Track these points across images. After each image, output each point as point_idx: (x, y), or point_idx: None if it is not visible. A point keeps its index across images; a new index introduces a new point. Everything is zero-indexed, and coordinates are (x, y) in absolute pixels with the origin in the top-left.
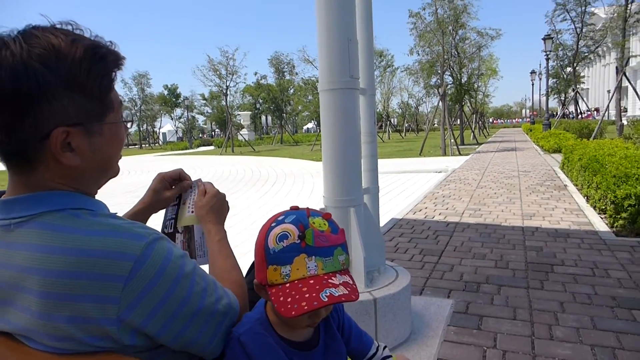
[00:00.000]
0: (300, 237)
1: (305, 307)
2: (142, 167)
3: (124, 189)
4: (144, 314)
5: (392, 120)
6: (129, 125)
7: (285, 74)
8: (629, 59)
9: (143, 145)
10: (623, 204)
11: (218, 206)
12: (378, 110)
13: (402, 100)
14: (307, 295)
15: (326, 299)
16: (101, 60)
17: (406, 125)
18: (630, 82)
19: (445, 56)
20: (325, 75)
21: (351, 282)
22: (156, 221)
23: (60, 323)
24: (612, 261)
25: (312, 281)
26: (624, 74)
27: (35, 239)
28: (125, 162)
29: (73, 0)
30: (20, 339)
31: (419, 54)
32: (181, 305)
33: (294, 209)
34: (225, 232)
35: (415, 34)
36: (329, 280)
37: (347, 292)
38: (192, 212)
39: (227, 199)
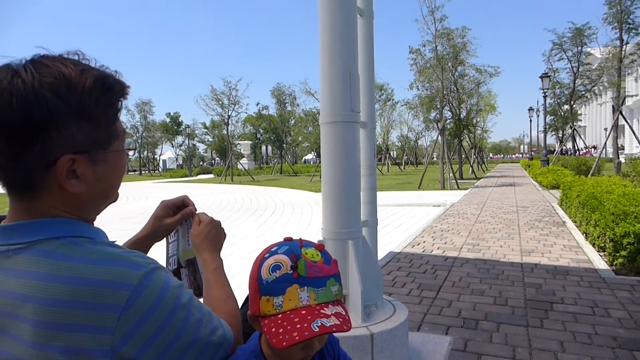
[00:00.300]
0: (293, 268)
1: (297, 338)
2: (141, 194)
3: (122, 215)
4: (139, 344)
5: (391, 153)
6: (130, 153)
7: (286, 105)
8: (624, 98)
9: (143, 172)
10: (622, 242)
11: (213, 234)
12: (378, 143)
13: (402, 133)
14: (298, 326)
15: (317, 329)
16: (109, 90)
17: (405, 158)
18: (626, 121)
19: (444, 91)
20: (326, 108)
21: (344, 313)
22: (159, 250)
23: (54, 353)
24: (612, 300)
25: (304, 312)
26: (621, 112)
27: (33, 266)
28: (124, 189)
29: (77, 26)
30: None
31: (418, 89)
32: (177, 336)
33: (288, 240)
34: (221, 260)
35: (415, 69)
36: (321, 311)
37: (338, 322)
38: (190, 245)
39: (223, 226)
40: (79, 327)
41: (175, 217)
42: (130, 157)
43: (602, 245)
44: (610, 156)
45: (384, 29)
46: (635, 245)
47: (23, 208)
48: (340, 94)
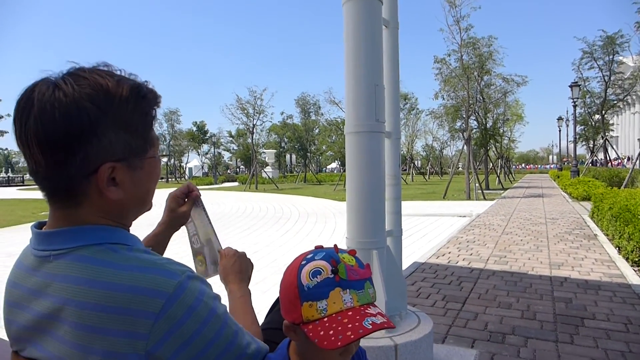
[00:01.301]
0: (334, 272)
1: (352, 336)
2: None
3: (148, 222)
4: (171, 351)
5: (416, 162)
6: (163, 159)
7: (311, 114)
8: None
9: (169, 179)
10: None
11: (237, 266)
12: (402, 152)
13: (427, 142)
14: (349, 325)
15: (370, 326)
16: (143, 98)
17: (430, 168)
18: None
19: (470, 101)
20: (351, 118)
21: (383, 312)
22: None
23: (93, 355)
24: None
25: (350, 313)
26: None
27: (73, 271)
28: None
29: (105, 38)
30: None
31: (444, 98)
32: (208, 346)
33: (319, 247)
34: (248, 290)
35: (440, 79)
36: (366, 311)
37: (385, 320)
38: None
39: (250, 235)
40: (115, 331)
41: (185, 205)
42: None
43: (637, 259)
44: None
45: (409, 38)
46: None
47: (64, 216)
48: (365, 105)
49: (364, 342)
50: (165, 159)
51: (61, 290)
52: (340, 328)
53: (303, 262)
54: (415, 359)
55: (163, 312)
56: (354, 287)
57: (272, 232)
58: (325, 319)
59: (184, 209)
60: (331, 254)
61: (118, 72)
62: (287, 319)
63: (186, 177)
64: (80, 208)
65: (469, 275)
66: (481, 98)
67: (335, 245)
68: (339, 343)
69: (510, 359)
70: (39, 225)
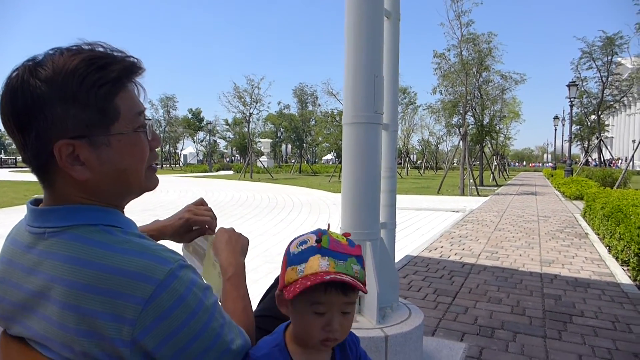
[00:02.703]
0: (317, 241)
1: (307, 283)
2: (162, 187)
3: (142, 207)
4: (157, 340)
5: (411, 156)
6: (150, 135)
7: (308, 104)
8: None
9: (164, 166)
10: None
11: (225, 238)
12: (398, 146)
13: (423, 137)
14: (313, 278)
15: (329, 278)
16: (100, 69)
17: (425, 162)
18: None
19: (468, 97)
20: (349, 108)
21: (362, 286)
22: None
23: (78, 337)
24: (635, 316)
25: (322, 273)
26: None
27: (66, 249)
28: None
29: (107, 23)
30: (35, 346)
31: (441, 93)
32: (194, 338)
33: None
34: (239, 268)
35: (439, 73)
36: (338, 275)
37: (349, 278)
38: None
39: (242, 222)
40: (102, 314)
41: (193, 234)
42: (156, 139)
43: (626, 259)
44: (638, 169)
45: (409, 32)
46: None
47: (49, 194)
48: (364, 95)
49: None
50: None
51: (52, 268)
52: (306, 282)
53: (296, 237)
54: (405, 351)
55: (152, 298)
56: (335, 256)
57: (265, 222)
58: (300, 279)
59: (187, 237)
60: (320, 230)
61: (101, 49)
62: (278, 288)
63: (181, 163)
64: (58, 187)
65: (460, 269)
66: (479, 94)
67: (329, 225)
68: (298, 290)
69: (499, 353)
70: (35, 202)
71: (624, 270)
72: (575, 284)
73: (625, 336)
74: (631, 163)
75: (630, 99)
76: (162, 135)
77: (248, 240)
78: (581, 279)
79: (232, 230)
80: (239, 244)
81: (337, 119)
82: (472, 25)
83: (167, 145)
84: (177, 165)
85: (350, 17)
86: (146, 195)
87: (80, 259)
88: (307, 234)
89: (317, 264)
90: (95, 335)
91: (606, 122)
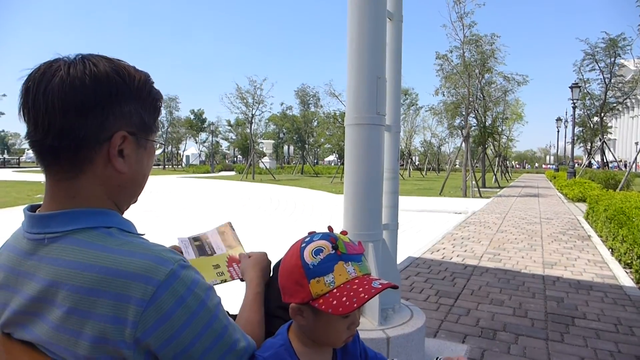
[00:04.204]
0: (334, 248)
1: (365, 296)
2: (164, 188)
3: (144, 208)
4: (159, 341)
5: (413, 158)
6: (158, 150)
7: (310, 105)
8: None
9: (166, 166)
10: None
11: (264, 264)
12: (400, 147)
13: (425, 138)
14: (360, 289)
15: (380, 286)
16: (154, 88)
17: (427, 164)
18: None
19: (470, 98)
20: (352, 110)
21: (389, 286)
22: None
23: (82, 340)
24: (637, 318)
25: (357, 280)
26: None
27: (67, 254)
28: (149, 182)
29: (108, 21)
30: (42, 350)
31: (444, 95)
32: (196, 339)
33: (312, 233)
34: (264, 288)
35: (442, 75)
36: (370, 277)
37: (387, 281)
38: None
39: (246, 223)
40: (105, 317)
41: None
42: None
43: (629, 261)
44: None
45: (411, 33)
46: None
47: (63, 189)
48: (367, 97)
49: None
50: (159, 150)
51: (54, 273)
52: (352, 293)
53: (303, 245)
54: (407, 352)
55: (153, 299)
56: (354, 259)
57: (267, 223)
58: (335, 290)
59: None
60: (328, 234)
61: None
62: (293, 301)
63: (183, 164)
64: (82, 177)
65: (462, 271)
66: (481, 96)
67: (330, 227)
68: (355, 305)
69: (501, 355)
70: (32, 209)
71: (627, 273)
72: (578, 286)
73: (628, 339)
74: (634, 165)
75: (634, 100)
76: (164, 136)
77: (270, 262)
78: (584, 281)
79: (266, 257)
80: (268, 273)
81: (339, 120)
82: (474, 27)
83: (170, 146)
84: (179, 166)
85: (353, 18)
86: (149, 196)
87: (82, 262)
88: (315, 239)
89: (345, 271)
90: (99, 339)
91: (609, 124)
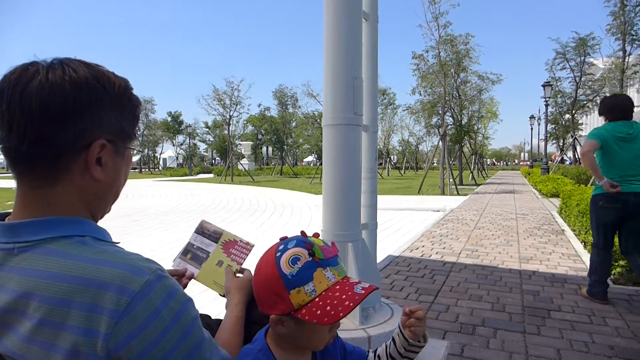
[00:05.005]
0: (311, 254)
1: (351, 304)
2: (141, 192)
3: (120, 213)
4: (131, 354)
5: (392, 157)
6: (135, 154)
7: (288, 106)
8: None
9: (143, 170)
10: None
11: (250, 286)
12: (378, 146)
13: (403, 138)
14: (344, 296)
15: (363, 291)
16: (133, 95)
17: (405, 163)
18: None
19: (446, 97)
20: (329, 110)
21: (371, 290)
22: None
23: (54, 353)
24: (610, 309)
25: (338, 287)
26: None
27: (39, 264)
28: (125, 186)
29: (81, 21)
30: None
31: (420, 94)
32: (169, 353)
33: (284, 239)
34: (244, 315)
35: (418, 74)
36: (350, 281)
37: (369, 284)
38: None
39: (227, 225)
40: (77, 329)
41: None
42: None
43: None
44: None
45: (388, 33)
46: None
47: (37, 197)
48: (344, 97)
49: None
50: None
51: (25, 284)
52: (335, 302)
53: (278, 254)
54: None
55: (127, 311)
56: (331, 264)
57: (247, 225)
58: (317, 299)
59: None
60: (302, 240)
61: None
62: (273, 313)
63: (160, 167)
64: (58, 186)
65: (441, 268)
66: (457, 94)
67: (303, 232)
68: (341, 314)
69: (480, 350)
70: (1, 217)
71: None
72: (553, 279)
73: (601, 329)
74: None
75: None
76: (140, 139)
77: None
78: (558, 274)
79: (250, 278)
80: (252, 290)
81: (318, 120)
82: (449, 27)
83: (146, 149)
84: (156, 170)
85: (329, 19)
86: (125, 201)
87: (54, 272)
88: (290, 247)
89: (325, 278)
90: (71, 352)
91: (580, 121)
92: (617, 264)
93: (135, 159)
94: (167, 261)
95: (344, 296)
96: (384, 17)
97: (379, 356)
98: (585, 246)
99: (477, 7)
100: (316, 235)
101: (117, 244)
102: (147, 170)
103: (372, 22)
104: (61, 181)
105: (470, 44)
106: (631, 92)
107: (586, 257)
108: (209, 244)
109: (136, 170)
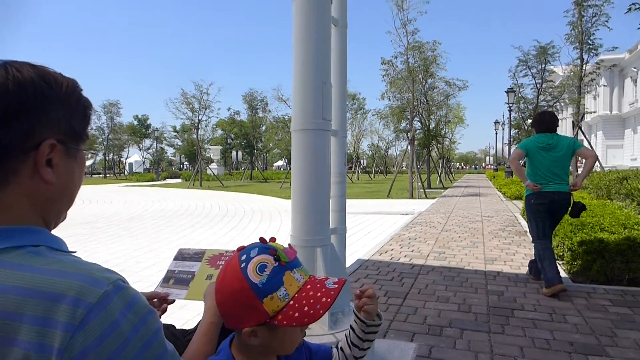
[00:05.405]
0: (277, 259)
1: (329, 300)
2: (105, 198)
3: (83, 220)
4: None
5: (361, 161)
6: (88, 162)
7: (258, 111)
8: (584, 114)
9: (107, 175)
10: (579, 251)
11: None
12: (348, 151)
13: (372, 142)
14: (318, 294)
15: (336, 286)
16: (82, 95)
17: (375, 167)
18: (585, 136)
19: (414, 103)
20: (298, 115)
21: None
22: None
23: None
24: (569, 307)
25: (308, 286)
26: (580, 128)
27: None
28: (87, 192)
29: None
30: None
31: (389, 99)
32: None
33: (241, 249)
34: (220, 321)
35: (387, 80)
36: (318, 279)
37: (337, 278)
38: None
39: (193, 233)
40: (30, 344)
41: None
42: (87, 164)
43: (561, 254)
44: (570, 169)
45: (358, 39)
46: (592, 254)
47: None
48: (313, 102)
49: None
50: (90, 161)
51: None
52: (312, 300)
53: (242, 265)
54: None
55: (83, 324)
56: (296, 265)
57: (216, 230)
58: (292, 302)
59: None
60: (264, 246)
61: None
62: (246, 326)
63: (126, 172)
64: (6, 190)
65: (410, 271)
66: (425, 100)
67: (261, 238)
68: (321, 311)
69: (447, 351)
70: None
71: (559, 265)
72: (517, 279)
73: (562, 326)
74: None
75: (562, 104)
76: (105, 143)
77: None
78: (521, 274)
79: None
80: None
81: (288, 124)
82: (417, 34)
83: (111, 154)
84: (121, 175)
85: (298, 25)
86: (88, 207)
87: (5, 285)
88: (253, 256)
89: (294, 280)
90: None
91: None
92: (575, 262)
93: (89, 162)
94: (133, 270)
95: (318, 294)
96: (355, 23)
97: (341, 349)
98: None
99: (444, 15)
100: (272, 239)
101: (74, 254)
102: (112, 175)
103: (341, 27)
104: (9, 185)
105: (438, 51)
106: (588, 99)
107: None
108: (192, 265)
109: (100, 176)
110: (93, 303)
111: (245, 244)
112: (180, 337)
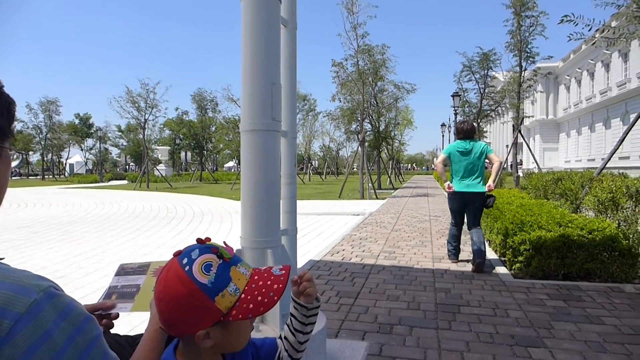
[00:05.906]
0: (220, 257)
1: (280, 286)
2: (43, 200)
3: (19, 224)
4: None
5: (313, 162)
6: (13, 163)
7: (208, 111)
8: (523, 118)
9: (46, 177)
10: (519, 249)
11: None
12: (300, 152)
13: (324, 143)
14: (269, 282)
15: (283, 271)
16: (4, 92)
17: (327, 168)
18: (524, 139)
19: (365, 105)
20: (247, 116)
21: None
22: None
23: None
24: (511, 302)
25: (256, 277)
26: (519, 131)
27: None
28: (23, 194)
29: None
30: None
31: (340, 101)
32: None
33: (178, 253)
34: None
35: (338, 82)
36: (263, 269)
37: (281, 265)
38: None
39: (139, 237)
40: None
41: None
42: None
43: (503, 251)
44: (511, 170)
45: (309, 40)
46: (531, 251)
47: None
48: (262, 103)
49: (255, 336)
50: (15, 162)
51: None
52: (264, 289)
53: (187, 269)
54: (309, 355)
55: (10, 336)
56: (238, 260)
57: (164, 233)
58: (243, 295)
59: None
60: (205, 246)
61: None
62: (200, 329)
63: (66, 174)
64: None
65: (361, 271)
66: (375, 102)
67: (199, 239)
68: (275, 297)
69: (397, 348)
70: None
71: (502, 262)
72: (462, 276)
73: (504, 320)
74: (505, 165)
75: (503, 108)
76: (43, 142)
77: None
78: (467, 272)
79: None
80: None
81: (239, 125)
82: (367, 37)
83: (50, 154)
84: (61, 176)
85: (247, 25)
86: (24, 211)
87: None
88: (196, 257)
89: (240, 274)
90: None
91: (484, 129)
92: (516, 259)
93: (14, 163)
94: (74, 276)
95: (268, 282)
96: (306, 24)
97: (285, 338)
98: (489, 244)
99: (394, 19)
100: (207, 239)
101: (1, 261)
102: (51, 176)
103: (290, 28)
104: None
105: (387, 54)
106: (527, 104)
107: (490, 254)
108: (136, 278)
109: (38, 177)
110: (21, 313)
111: (181, 248)
112: (126, 345)
